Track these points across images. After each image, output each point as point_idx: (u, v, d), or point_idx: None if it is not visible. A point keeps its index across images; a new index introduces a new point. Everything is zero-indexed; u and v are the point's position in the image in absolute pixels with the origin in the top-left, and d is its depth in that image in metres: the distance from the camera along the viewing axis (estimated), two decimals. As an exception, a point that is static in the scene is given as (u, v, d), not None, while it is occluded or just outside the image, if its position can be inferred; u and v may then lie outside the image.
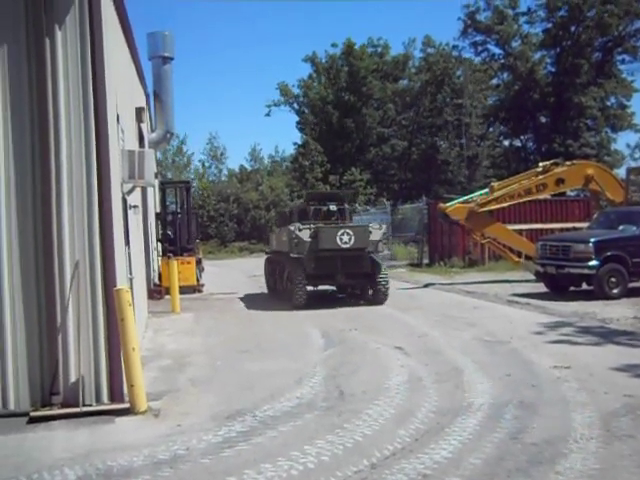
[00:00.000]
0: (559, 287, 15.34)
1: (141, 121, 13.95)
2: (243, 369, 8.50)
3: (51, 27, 6.61)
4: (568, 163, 18.64)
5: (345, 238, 14.01)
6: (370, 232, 14.41)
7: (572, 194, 29.70)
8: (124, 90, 10.27)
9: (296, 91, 57.53)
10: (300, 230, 14.20)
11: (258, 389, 7.40)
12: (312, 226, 14.39)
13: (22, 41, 6.61)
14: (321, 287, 15.97)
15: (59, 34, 6.63)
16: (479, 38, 52.79)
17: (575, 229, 20.17)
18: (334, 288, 16.45)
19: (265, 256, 19.64)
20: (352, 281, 15.21)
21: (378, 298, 14.70)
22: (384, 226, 15.96)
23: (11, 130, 6.60)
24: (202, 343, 10.63)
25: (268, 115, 60.07)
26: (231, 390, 7.43)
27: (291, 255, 14.49)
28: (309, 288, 14.93)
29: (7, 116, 6.59)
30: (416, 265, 25.38)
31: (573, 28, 48.73)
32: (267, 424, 6.12)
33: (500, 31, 50.71)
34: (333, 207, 16.11)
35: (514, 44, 51.89)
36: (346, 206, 16.57)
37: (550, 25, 49.81)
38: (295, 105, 58.07)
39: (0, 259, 6.57)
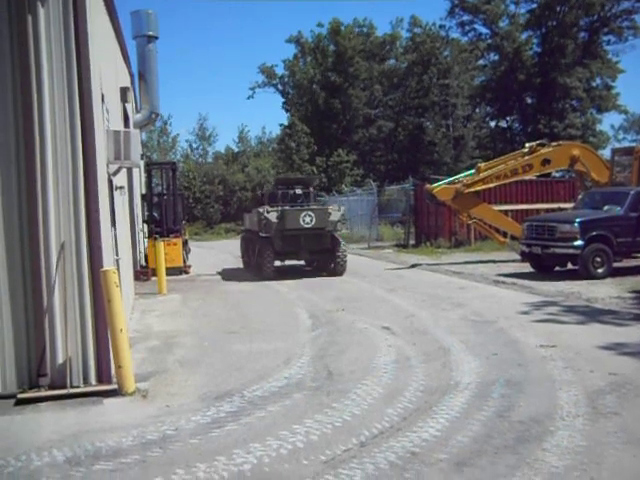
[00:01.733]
0: (544, 267, 15.46)
1: (126, 101, 13.78)
2: (231, 350, 8.51)
3: (33, 4, 6.49)
4: (554, 144, 18.71)
5: (307, 219, 16.03)
6: (330, 213, 16.47)
7: (557, 175, 29.89)
8: (108, 70, 10.13)
9: (280, 72, 57.20)
10: (268, 212, 16.14)
11: (246, 370, 7.41)
12: (279, 208, 16.33)
13: (4, 19, 6.48)
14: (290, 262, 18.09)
15: (42, 12, 6.52)
16: (466, 18, 52.72)
17: (560, 209, 20.27)
18: (302, 262, 18.49)
19: (240, 235, 21.24)
20: (315, 256, 17.44)
21: (338, 270, 16.88)
22: (342, 208, 18.10)
23: (-6, 110, 6.50)
24: (189, 324, 10.62)
25: (252, 97, 59.79)
26: (219, 370, 7.44)
27: (261, 234, 16.38)
28: (278, 263, 17.21)
29: (-10, 95, 6.49)
30: (402, 246, 25.44)
31: (558, 8, 48.65)
32: (256, 404, 6.13)
33: (487, 10, 50.58)
34: (299, 191, 18.22)
35: (501, 24, 51.80)
36: (311, 190, 18.54)
37: (535, 5, 49.74)
38: (279, 86, 57.75)
39: (-16, 241, 6.50)
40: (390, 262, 20.38)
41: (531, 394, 6.17)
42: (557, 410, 5.68)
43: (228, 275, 18.14)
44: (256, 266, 17.56)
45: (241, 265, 20.16)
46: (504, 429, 5.28)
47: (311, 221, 16.06)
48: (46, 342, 6.58)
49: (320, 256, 17.30)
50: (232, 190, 48.03)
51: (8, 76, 6.52)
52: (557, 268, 15.43)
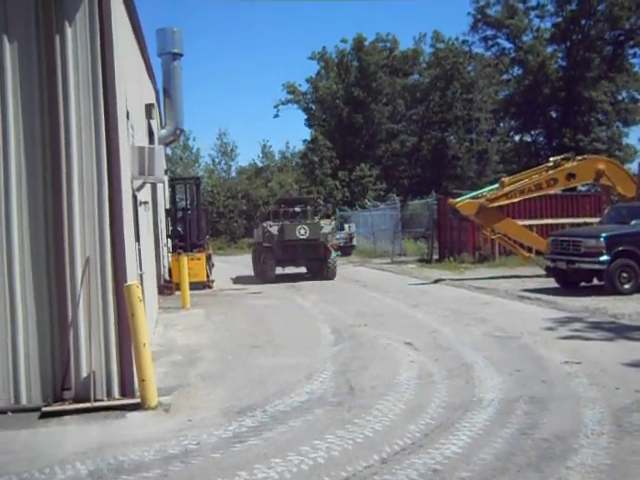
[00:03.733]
0: (570, 282, 15.27)
1: (151, 117, 13.97)
2: (253, 364, 8.52)
3: (61, 24, 6.64)
4: (579, 158, 18.52)
5: (302, 231, 19.19)
6: (322, 227, 19.77)
7: (583, 189, 29.58)
8: (134, 86, 10.29)
9: (304, 88, 57.52)
10: (271, 226, 19.58)
11: (268, 384, 7.41)
12: (280, 223, 19.63)
13: (32, 38, 6.64)
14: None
15: (69, 31, 6.66)
16: (489, 32, 52.68)
17: (586, 224, 20.05)
18: (304, 270, 21.43)
19: (252, 247, 24.52)
20: (309, 263, 20.61)
21: (329, 275, 19.98)
22: (333, 222, 22.77)
23: (22, 127, 6.64)
24: (212, 338, 10.66)
25: (277, 116, 60.08)
26: (241, 385, 7.45)
27: (264, 245, 19.81)
28: (279, 270, 20.46)
29: (18, 113, 6.63)
30: (426, 261, 25.33)
31: (583, 22, 48.41)
32: (277, 419, 6.13)
33: (511, 25, 50.45)
34: (297, 209, 21.47)
35: (525, 38, 51.66)
36: (308, 208, 21.84)
37: (560, 19, 49.52)
38: (303, 103, 58.05)
39: (12, 256, 6.61)
40: (413, 277, 20.30)
41: (555, 411, 6.09)
42: (581, 428, 5.60)
43: (248, 285, 19.41)
44: (261, 272, 20.32)
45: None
46: (527, 447, 5.22)
47: (305, 233, 19.15)
48: (70, 356, 6.66)
49: (314, 263, 20.34)
50: (255, 205, 48.26)
51: (36, 93, 6.66)
52: (583, 283, 15.23)
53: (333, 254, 19.95)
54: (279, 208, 21.78)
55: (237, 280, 21.14)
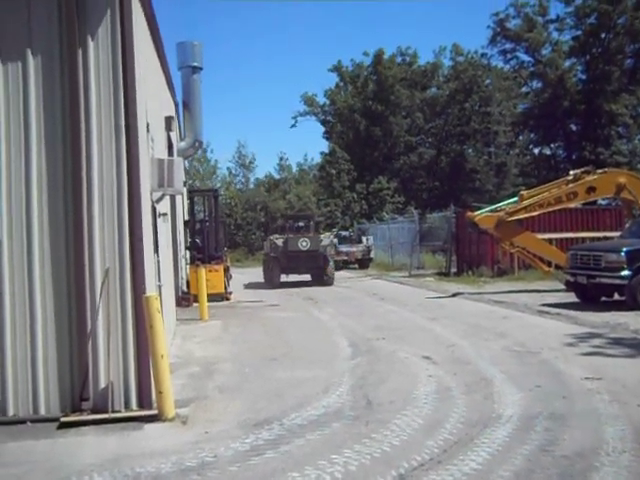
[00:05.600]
0: (590, 297, 15.09)
1: (170, 130, 14.07)
2: (271, 377, 8.50)
3: (84, 38, 6.72)
4: (599, 171, 18.34)
5: (304, 243, 22.15)
6: (321, 240, 22.76)
7: (604, 202, 29.30)
8: (154, 99, 10.38)
9: (322, 101, 57.72)
10: (277, 239, 22.94)
11: (285, 397, 7.39)
12: (284, 236, 23.02)
13: (56, 52, 6.73)
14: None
15: (91, 45, 6.74)
16: (508, 46, 52.54)
17: (606, 238, 19.85)
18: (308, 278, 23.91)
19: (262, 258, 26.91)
20: (310, 271, 23.35)
21: (327, 281, 22.76)
22: (331, 236, 25.54)
23: (44, 139, 6.71)
24: (230, 350, 10.67)
25: (294, 126, 60.32)
26: (259, 397, 7.43)
27: (271, 255, 22.99)
28: (284, 278, 23.33)
29: (40, 125, 6.71)
30: (444, 274, 25.20)
31: (603, 35, 48.20)
32: (294, 432, 6.10)
33: (530, 38, 50.32)
34: (301, 224, 25.58)
35: (544, 51, 51.52)
36: (311, 223, 25.39)
37: (580, 32, 49.34)
38: (321, 115, 58.24)
39: (32, 267, 6.67)
40: (431, 290, 20.19)
41: (575, 428, 6.01)
42: (602, 445, 5.51)
43: (265, 297, 19.45)
44: (269, 279, 23.24)
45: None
46: (547, 464, 5.14)
47: (307, 245, 22.08)
48: (89, 366, 6.68)
49: (315, 271, 23.13)
50: (273, 217, 48.32)
51: (58, 106, 6.74)
52: (603, 298, 15.06)
53: (331, 263, 23.07)
54: (285, 223, 25.72)
55: (254, 292, 21.16)
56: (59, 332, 6.70)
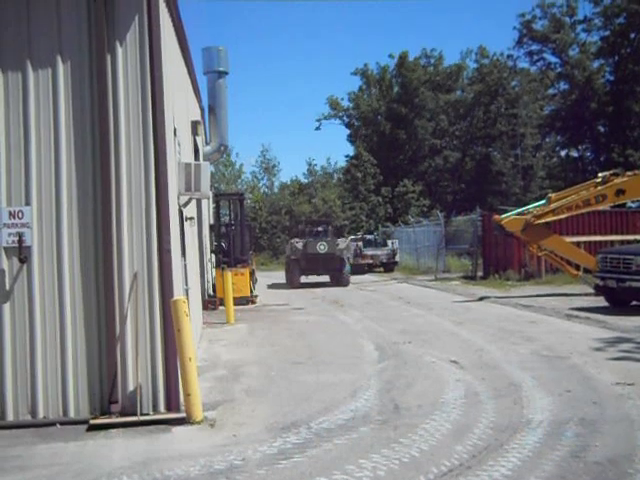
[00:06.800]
0: (620, 301, 14.87)
1: (197, 134, 14.17)
2: (297, 380, 8.50)
3: (112, 44, 6.79)
4: (629, 173, 18.03)
5: (322, 247, 23.77)
6: (338, 244, 24.38)
7: (633, 205, 28.90)
8: (181, 104, 10.46)
9: (346, 104, 57.67)
10: (297, 242, 24.52)
11: (312, 401, 7.38)
12: (304, 240, 24.49)
13: (85, 57, 6.80)
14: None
15: (120, 50, 6.81)
16: (535, 47, 52.17)
17: (636, 241, 19.56)
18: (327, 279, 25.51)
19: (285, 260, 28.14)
20: (327, 272, 25.08)
21: (343, 282, 24.33)
22: (348, 240, 27.92)
23: (73, 145, 6.79)
24: (256, 353, 10.69)
25: (318, 129, 60.36)
26: (286, 401, 7.43)
27: (291, 257, 24.67)
28: (304, 279, 24.89)
29: (70, 131, 6.79)
30: (470, 278, 25.03)
31: (633, 35, 47.56)
32: (322, 436, 6.08)
33: (557, 39, 49.90)
34: (320, 228, 27.00)
35: (571, 52, 50.98)
36: (329, 227, 27.42)
37: (608, 33, 48.74)
38: (345, 118, 58.20)
39: (62, 271, 6.75)
40: (458, 294, 20.05)
41: (607, 434, 5.91)
42: (636, 452, 5.40)
43: (291, 300, 19.40)
44: (289, 279, 24.85)
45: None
46: (579, 470, 5.06)
47: (324, 248, 23.71)
48: (117, 369, 6.74)
49: (332, 272, 24.86)
50: (298, 221, 48.47)
51: (87, 111, 6.81)
52: (633, 302, 14.83)
53: (347, 265, 24.78)
54: (305, 228, 27.55)
55: (279, 295, 21.25)
56: (88, 335, 6.76)
